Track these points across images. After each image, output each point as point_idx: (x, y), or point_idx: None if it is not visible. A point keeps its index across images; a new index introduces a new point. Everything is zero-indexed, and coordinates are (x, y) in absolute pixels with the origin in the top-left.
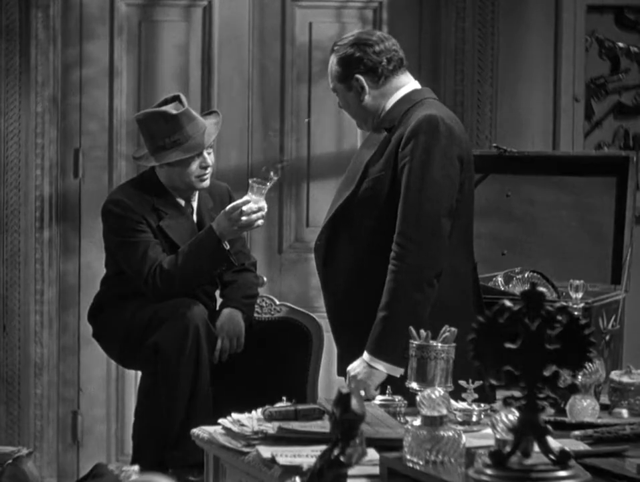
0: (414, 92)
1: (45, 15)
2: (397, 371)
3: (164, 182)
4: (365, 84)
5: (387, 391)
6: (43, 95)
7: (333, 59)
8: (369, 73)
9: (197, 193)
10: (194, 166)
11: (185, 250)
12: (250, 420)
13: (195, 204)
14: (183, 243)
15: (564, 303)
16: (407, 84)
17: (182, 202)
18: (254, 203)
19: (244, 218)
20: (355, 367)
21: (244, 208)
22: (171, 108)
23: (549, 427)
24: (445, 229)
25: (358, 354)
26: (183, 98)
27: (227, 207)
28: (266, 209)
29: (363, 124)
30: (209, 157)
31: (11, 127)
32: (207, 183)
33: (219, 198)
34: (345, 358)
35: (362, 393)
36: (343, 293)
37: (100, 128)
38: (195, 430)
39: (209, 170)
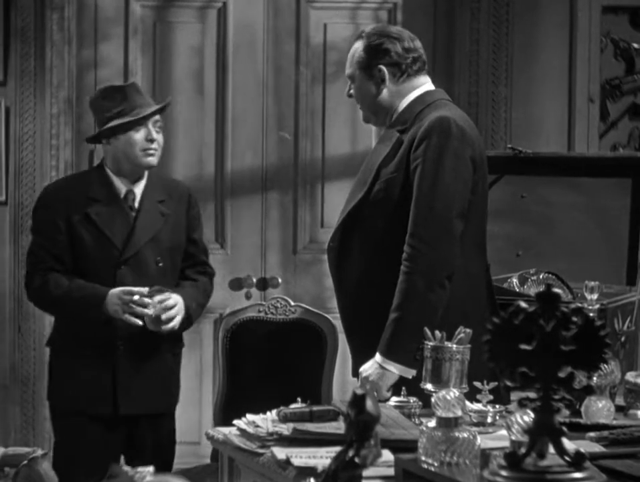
0: (428, 93)
1: (60, 17)
2: (409, 373)
3: (110, 165)
4: (386, 77)
5: (402, 393)
6: (58, 97)
7: (358, 45)
8: (393, 67)
9: (144, 180)
10: (138, 137)
11: (73, 286)
12: (265, 421)
13: (138, 191)
14: (112, 231)
15: (579, 304)
16: (423, 85)
17: (123, 190)
18: (147, 298)
19: (130, 304)
20: (367, 368)
21: (135, 298)
22: (119, 84)
23: (565, 428)
24: (457, 230)
25: (371, 355)
26: (135, 81)
27: (125, 288)
28: (151, 312)
29: (372, 117)
30: (157, 135)
31: (26, 128)
32: (153, 159)
33: (178, 197)
34: (358, 359)
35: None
36: (356, 294)
37: None
38: (210, 431)
39: (155, 145)
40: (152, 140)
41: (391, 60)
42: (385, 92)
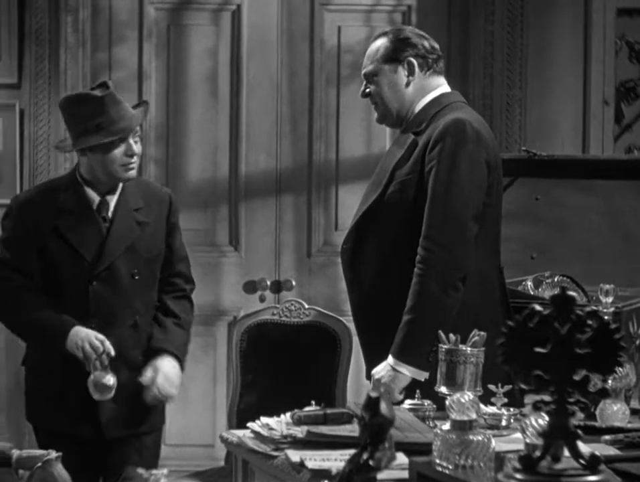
0: (443, 95)
1: (74, 20)
2: (422, 375)
3: (85, 174)
4: (416, 68)
5: (416, 396)
6: None
7: (383, 41)
8: (421, 60)
9: (118, 190)
10: (118, 153)
11: (34, 315)
12: (279, 423)
13: (112, 201)
14: (82, 244)
15: (594, 307)
16: (441, 86)
17: (96, 200)
18: (109, 346)
19: (90, 349)
20: (380, 370)
21: (98, 344)
22: (94, 92)
23: (580, 431)
24: (471, 232)
25: (384, 357)
26: (110, 83)
27: (99, 335)
28: (92, 377)
29: (389, 116)
30: (136, 146)
31: (40, 131)
32: (133, 173)
33: (158, 203)
34: (371, 361)
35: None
36: (369, 296)
37: None
38: (224, 434)
39: (135, 159)
40: (132, 155)
41: (419, 52)
42: (411, 86)
